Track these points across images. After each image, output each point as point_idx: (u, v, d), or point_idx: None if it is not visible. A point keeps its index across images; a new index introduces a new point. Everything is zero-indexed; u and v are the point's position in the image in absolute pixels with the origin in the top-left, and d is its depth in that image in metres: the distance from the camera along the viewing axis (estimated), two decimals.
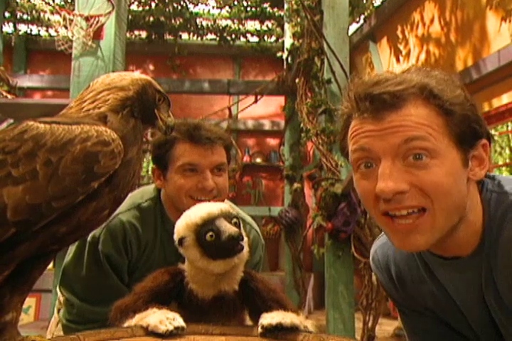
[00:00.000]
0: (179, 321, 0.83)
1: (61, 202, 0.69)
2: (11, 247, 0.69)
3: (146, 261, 1.32)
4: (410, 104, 0.77)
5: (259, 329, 0.86)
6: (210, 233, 0.88)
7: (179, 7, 6.21)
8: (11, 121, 4.48)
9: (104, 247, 1.25)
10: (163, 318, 0.83)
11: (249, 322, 1.00)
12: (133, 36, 6.29)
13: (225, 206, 0.94)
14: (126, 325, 0.88)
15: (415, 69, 0.82)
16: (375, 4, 5.25)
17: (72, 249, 1.29)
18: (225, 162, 1.32)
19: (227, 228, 0.88)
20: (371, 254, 1.07)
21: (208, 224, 0.89)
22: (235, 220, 0.91)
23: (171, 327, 0.81)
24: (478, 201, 0.84)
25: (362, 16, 5.43)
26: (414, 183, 0.75)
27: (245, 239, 0.91)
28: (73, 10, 4.01)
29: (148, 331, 0.84)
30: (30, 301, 4.39)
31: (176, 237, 0.93)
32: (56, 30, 4.36)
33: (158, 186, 1.36)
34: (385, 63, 5.04)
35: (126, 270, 1.30)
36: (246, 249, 0.93)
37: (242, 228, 0.94)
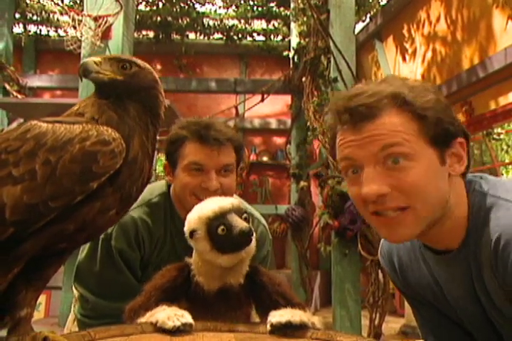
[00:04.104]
0: (187, 318, 0.84)
1: (58, 202, 0.68)
2: (15, 245, 0.69)
3: (158, 256, 1.34)
4: (385, 114, 0.83)
5: (268, 327, 0.86)
6: (222, 227, 0.90)
7: (186, 7, 6.23)
8: (21, 120, 4.53)
9: (117, 243, 1.28)
10: (171, 314, 0.84)
11: (255, 316, 1.02)
12: (140, 36, 6.32)
13: (236, 201, 0.95)
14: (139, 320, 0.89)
15: (390, 79, 0.89)
16: (381, 3, 5.23)
17: (85, 246, 1.31)
18: (233, 163, 1.32)
19: (239, 223, 0.89)
20: (380, 246, 1.13)
21: (219, 217, 0.91)
22: (245, 215, 0.92)
23: (178, 323, 0.82)
24: (464, 197, 0.89)
25: (368, 15, 5.42)
26: (394, 185, 0.82)
27: (253, 234, 0.93)
28: (82, 10, 4.05)
29: (157, 328, 0.85)
30: (40, 298, 4.43)
31: (186, 229, 0.94)
32: (65, 31, 4.40)
33: (168, 181, 1.38)
34: (391, 62, 5.03)
35: (138, 265, 1.33)
36: (253, 243, 0.94)
37: (251, 223, 0.95)
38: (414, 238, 0.89)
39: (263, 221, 1.48)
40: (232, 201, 0.94)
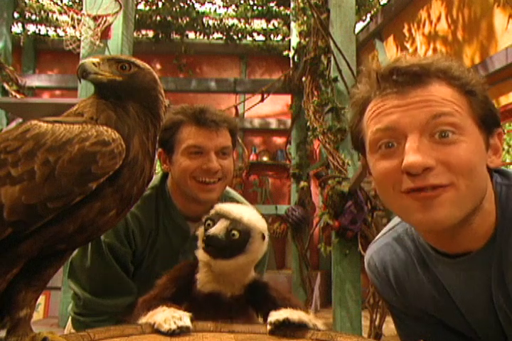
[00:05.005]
0: (185, 321, 0.84)
1: (56, 203, 0.67)
2: (14, 246, 0.69)
3: (152, 249, 1.34)
4: (435, 82, 0.77)
5: (268, 327, 0.86)
6: (208, 222, 0.93)
7: (186, 6, 6.23)
8: (20, 120, 4.53)
9: (106, 237, 1.27)
10: (168, 317, 0.84)
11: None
12: (140, 35, 6.33)
13: (250, 218, 0.93)
14: (139, 321, 0.89)
15: (432, 56, 0.83)
16: (382, 2, 5.25)
17: None
18: (230, 146, 1.33)
19: (215, 228, 0.89)
20: (366, 260, 1.04)
21: (214, 218, 0.92)
22: (235, 232, 0.90)
23: (173, 327, 0.82)
24: (491, 191, 0.82)
25: (368, 14, 5.44)
26: (441, 159, 0.74)
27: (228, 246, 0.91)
28: (81, 10, 4.05)
29: (156, 329, 0.85)
30: (39, 298, 4.43)
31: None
32: (64, 30, 4.40)
33: (164, 170, 1.37)
34: None
35: (130, 259, 1.32)
36: (251, 255, 0.92)
37: (249, 243, 0.93)
38: (450, 224, 0.76)
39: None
40: (245, 216, 0.93)
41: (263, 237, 0.94)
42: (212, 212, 0.95)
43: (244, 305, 0.96)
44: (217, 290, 0.94)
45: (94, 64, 0.81)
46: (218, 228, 0.89)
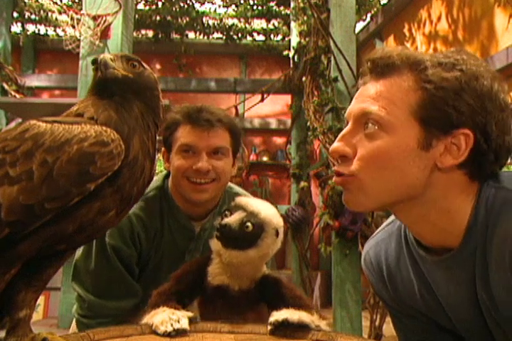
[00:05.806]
0: (182, 323, 0.84)
1: (54, 203, 0.67)
2: (11, 246, 0.69)
3: (157, 250, 1.34)
4: (395, 74, 0.79)
5: (268, 327, 0.86)
6: (226, 212, 0.95)
7: (186, 6, 6.22)
8: (20, 120, 4.52)
9: (111, 239, 1.26)
10: (166, 319, 0.84)
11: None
12: (140, 35, 6.31)
13: (267, 213, 0.94)
14: (143, 318, 0.89)
15: (447, 51, 0.83)
16: (382, 2, 5.24)
17: None
18: (225, 145, 1.30)
19: (230, 218, 0.91)
20: (363, 255, 1.04)
21: (233, 209, 0.94)
22: (248, 225, 0.91)
23: (169, 329, 0.83)
24: (464, 191, 0.81)
25: (369, 14, 5.42)
26: (358, 150, 0.80)
27: (240, 237, 0.91)
28: (81, 9, 4.04)
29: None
30: (39, 299, 4.43)
31: None
32: (64, 30, 4.40)
33: (166, 168, 1.37)
34: None
35: (134, 261, 1.32)
36: (253, 253, 0.92)
37: (261, 239, 0.94)
38: (366, 208, 0.86)
39: None
40: (257, 205, 0.94)
41: (277, 234, 0.95)
42: (232, 203, 0.96)
43: (254, 300, 0.96)
44: (226, 283, 0.95)
45: (111, 59, 0.82)
46: (233, 218, 0.91)
